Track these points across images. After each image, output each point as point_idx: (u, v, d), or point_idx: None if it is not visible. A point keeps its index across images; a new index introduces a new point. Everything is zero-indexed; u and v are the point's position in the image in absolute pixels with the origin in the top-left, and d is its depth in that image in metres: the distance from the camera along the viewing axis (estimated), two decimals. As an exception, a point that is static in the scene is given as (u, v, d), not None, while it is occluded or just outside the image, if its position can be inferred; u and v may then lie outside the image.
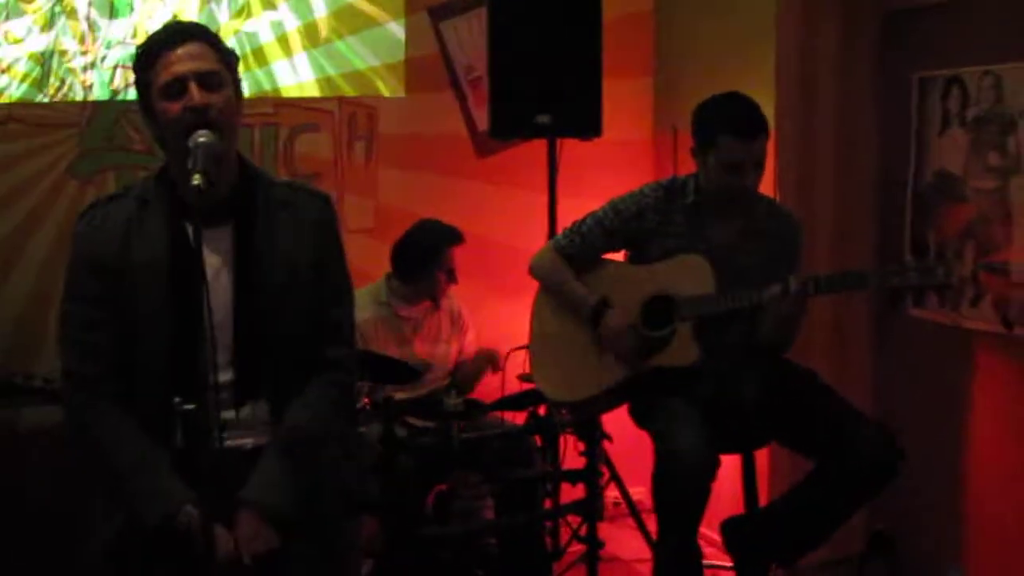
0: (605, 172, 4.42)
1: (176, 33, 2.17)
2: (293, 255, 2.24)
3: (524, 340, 3.36)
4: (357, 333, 3.84)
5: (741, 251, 3.03)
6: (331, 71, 4.39)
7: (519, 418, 3.86)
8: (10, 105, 3.95)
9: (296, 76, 4.35)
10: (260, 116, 4.28)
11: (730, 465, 3.08)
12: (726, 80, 3.30)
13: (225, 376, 2.18)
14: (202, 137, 2.08)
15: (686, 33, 4.59)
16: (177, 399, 1.90)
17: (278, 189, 2.31)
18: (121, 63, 4.07)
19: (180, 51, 2.13)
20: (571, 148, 4.16)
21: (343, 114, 4.41)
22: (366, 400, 3.38)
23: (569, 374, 3.13)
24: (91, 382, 2.19)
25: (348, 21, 4.38)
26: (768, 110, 3.76)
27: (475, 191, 4.56)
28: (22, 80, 3.98)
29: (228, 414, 2.20)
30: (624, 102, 4.48)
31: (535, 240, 3.75)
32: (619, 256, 3.24)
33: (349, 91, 4.42)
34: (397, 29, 4.44)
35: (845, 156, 3.76)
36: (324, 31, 4.35)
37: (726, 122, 2.91)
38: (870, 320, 3.80)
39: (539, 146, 4.14)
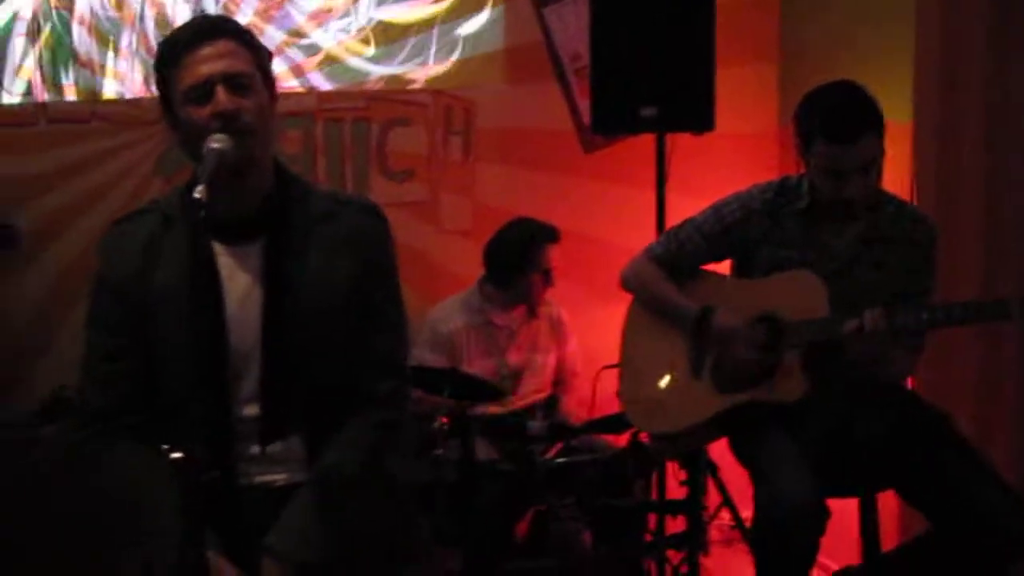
0: (722, 169, 4.12)
1: (202, 29, 1.97)
2: (332, 276, 2.03)
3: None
4: (448, 343, 3.77)
5: (863, 263, 2.68)
6: (428, 61, 4.18)
7: (620, 440, 3.59)
8: (94, 103, 3.89)
9: (389, 67, 4.16)
10: (351, 111, 4.15)
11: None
12: (860, 66, 2.99)
13: (251, 410, 2.01)
14: (216, 143, 1.89)
15: (815, 13, 4.23)
16: (165, 446, 1.71)
17: (319, 200, 2.09)
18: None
19: (207, 50, 1.94)
20: (686, 142, 3.87)
21: (438, 107, 4.22)
22: (444, 420, 3.16)
23: (661, 401, 2.84)
24: (109, 415, 2.05)
25: (444, 10, 4.16)
26: (905, 99, 3.44)
27: (581, 189, 4.32)
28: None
29: (254, 450, 2.02)
30: (743, 92, 4.18)
31: (643, 242, 3.42)
32: (724, 268, 2.92)
33: (445, 83, 4.23)
34: (495, 16, 4.21)
35: (997, 154, 3.32)
36: (418, 18, 4.15)
37: (820, 123, 2.58)
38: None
39: (650, 141, 3.86)
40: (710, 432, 2.83)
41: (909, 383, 2.86)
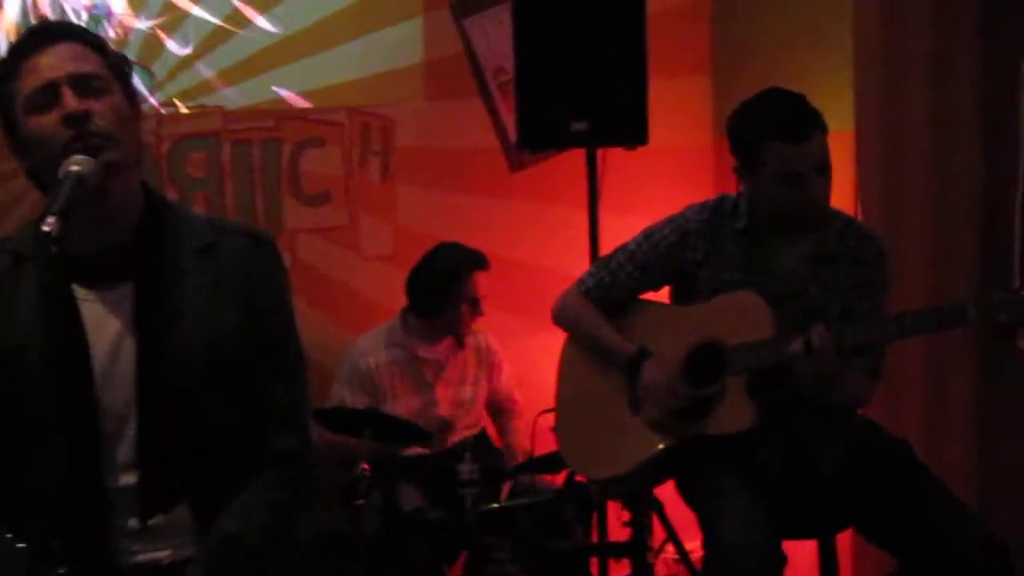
0: (656, 185, 4.01)
1: (45, 34, 1.77)
2: (215, 319, 1.79)
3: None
4: (370, 380, 3.55)
5: (811, 283, 2.53)
6: (338, 78, 3.95)
7: (559, 479, 3.39)
8: None
9: (299, 85, 3.92)
10: (260, 131, 3.92)
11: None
12: (797, 75, 2.89)
13: (128, 479, 1.77)
14: (75, 166, 1.65)
15: (749, 22, 4.14)
16: (8, 535, 1.45)
17: (196, 230, 1.85)
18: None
19: (50, 53, 1.73)
20: (617, 158, 3.71)
21: (354, 126, 4.00)
22: (365, 466, 2.93)
23: (600, 445, 2.65)
24: None
25: (356, 21, 3.95)
26: (846, 107, 3.34)
27: (508, 210, 4.15)
28: None
29: (132, 523, 1.77)
30: (676, 105, 4.03)
31: (577, 264, 3.35)
32: (660, 296, 2.74)
33: (359, 100, 4.00)
34: (413, 28, 4.00)
35: (940, 162, 3.26)
36: (330, 33, 3.92)
37: (769, 126, 2.43)
38: (972, 358, 3.26)
39: (580, 157, 3.69)
40: (654, 474, 2.65)
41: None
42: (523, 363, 3.81)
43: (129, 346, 1.76)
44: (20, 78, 1.72)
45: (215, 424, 1.79)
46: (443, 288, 3.50)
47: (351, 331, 3.80)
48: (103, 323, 1.76)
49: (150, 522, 1.77)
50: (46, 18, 3.55)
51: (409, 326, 3.59)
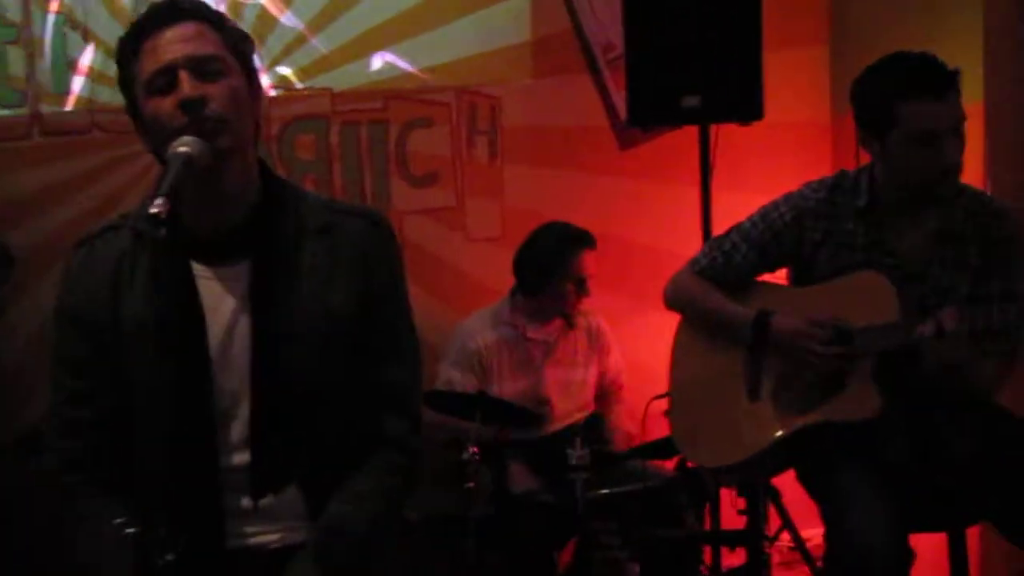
0: (772, 161, 3.88)
1: (164, 11, 1.73)
2: (331, 299, 1.78)
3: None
4: (478, 361, 3.53)
5: (937, 263, 2.41)
6: (445, 57, 3.92)
7: (671, 464, 3.32)
8: (92, 112, 3.68)
9: (407, 64, 3.90)
10: (367, 112, 3.91)
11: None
12: (921, 46, 2.72)
13: (240, 458, 1.76)
14: (182, 147, 1.64)
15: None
16: (119, 520, 1.45)
17: (313, 211, 1.83)
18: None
19: (168, 34, 1.70)
20: (731, 134, 3.60)
21: (461, 105, 3.97)
22: (474, 449, 2.90)
23: (716, 431, 2.57)
24: (74, 467, 1.80)
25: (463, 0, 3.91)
26: (975, 78, 3.17)
27: (618, 188, 4.06)
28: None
29: (244, 503, 1.77)
30: (793, 77, 3.90)
31: (689, 244, 3.25)
32: (778, 278, 2.65)
33: (468, 79, 3.97)
34: (521, 5, 3.94)
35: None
36: (437, 12, 3.89)
37: (904, 84, 2.31)
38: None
39: (692, 133, 3.60)
40: (773, 463, 2.56)
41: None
42: (633, 345, 3.74)
43: (244, 324, 1.76)
44: (140, 59, 1.70)
45: (328, 405, 1.78)
46: (548, 267, 3.44)
47: (458, 312, 3.78)
48: (220, 300, 1.76)
49: (261, 502, 1.76)
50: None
51: (517, 306, 3.55)
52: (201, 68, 1.69)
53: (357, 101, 3.89)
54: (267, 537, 1.79)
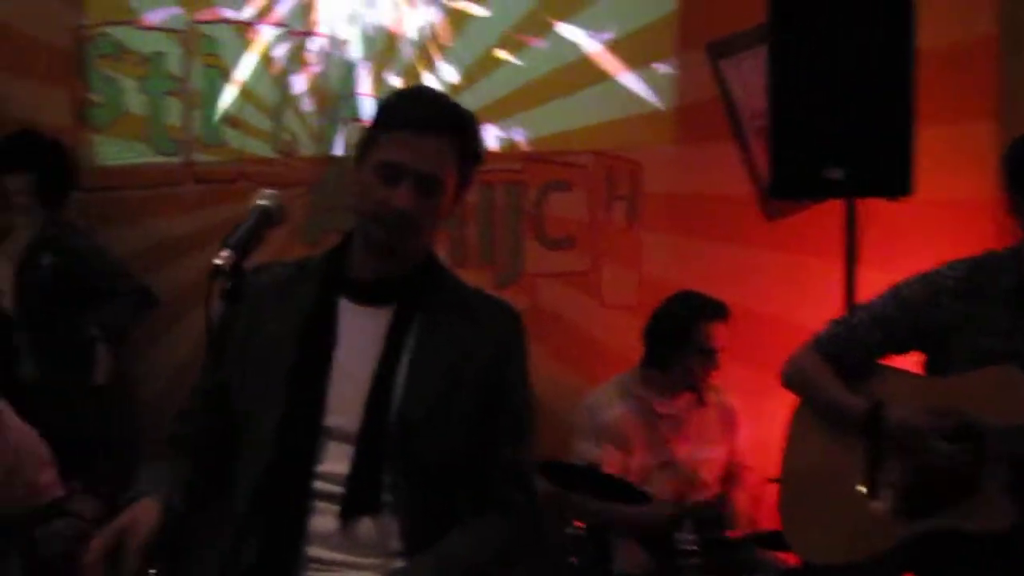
0: (926, 240, 3.62)
1: (423, 117, 1.87)
2: (458, 370, 1.88)
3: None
4: (610, 432, 3.44)
5: None
6: (587, 120, 3.90)
7: (789, 556, 3.13)
8: (241, 162, 3.82)
9: (548, 126, 3.91)
10: (505, 173, 3.92)
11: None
12: None
13: (336, 487, 1.82)
14: (263, 200, 1.71)
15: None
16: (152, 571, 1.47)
17: (462, 290, 2.00)
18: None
19: (413, 141, 1.84)
20: (881, 210, 3.43)
21: (601, 169, 3.93)
22: (579, 524, 2.80)
23: (830, 528, 2.40)
24: (181, 442, 1.93)
25: (608, 63, 3.90)
26: None
27: (760, 260, 3.90)
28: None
29: (328, 523, 1.80)
30: (951, 153, 3.66)
31: None
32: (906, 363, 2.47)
33: (608, 143, 3.93)
34: (666, 70, 3.89)
35: None
36: (581, 75, 3.88)
37: None
38: None
39: (840, 207, 3.44)
40: (891, 567, 2.36)
41: None
42: (765, 424, 3.55)
43: (373, 356, 1.86)
44: (386, 137, 1.86)
45: (435, 449, 1.84)
46: (677, 338, 3.33)
47: (588, 380, 3.72)
48: (358, 332, 1.88)
49: (348, 524, 1.80)
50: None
51: (646, 378, 3.45)
52: (423, 185, 1.83)
53: (495, 162, 3.90)
54: (348, 573, 1.80)
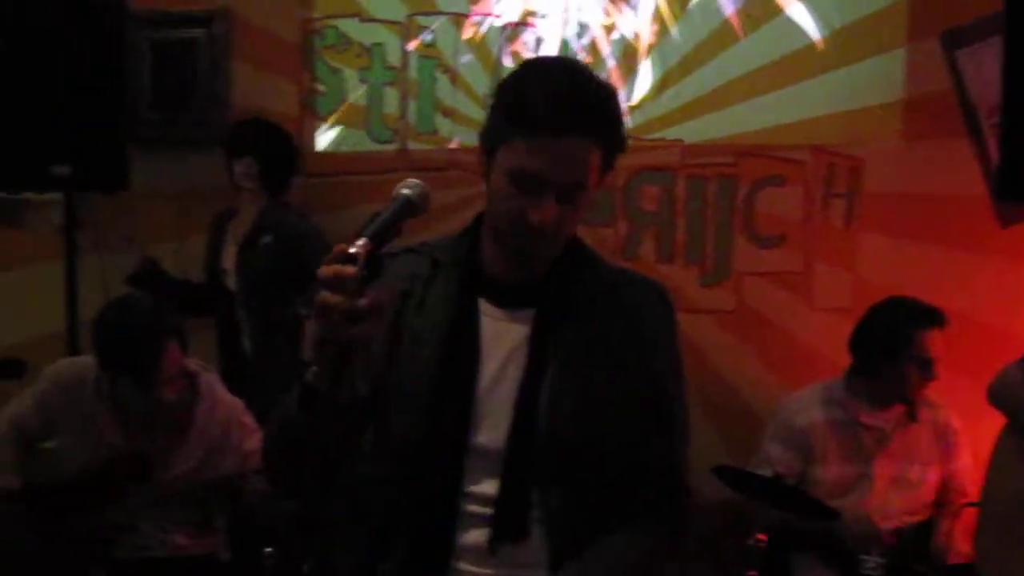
0: None
1: (564, 115, 1.64)
2: (607, 360, 1.77)
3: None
4: (801, 439, 3.29)
5: None
6: (804, 114, 3.73)
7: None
8: (451, 151, 3.90)
9: (762, 119, 3.77)
10: (716, 167, 3.80)
11: None
12: None
13: (484, 497, 1.74)
14: (406, 188, 1.65)
15: None
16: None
17: (606, 274, 1.85)
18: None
19: (553, 145, 1.64)
20: None
21: (818, 165, 3.76)
22: (761, 536, 2.70)
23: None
24: None
25: (829, 55, 3.71)
26: None
27: (990, 268, 3.65)
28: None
29: (474, 538, 1.75)
30: None
31: None
32: None
33: (829, 138, 3.74)
34: (894, 61, 3.67)
35: None
36: (799, 67, 3.72)
37: None
38: None
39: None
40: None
41: None
42: (985, 445, 3.31)
43: (518, 368, 1.77)
44: (521, 139, 1.66)
45: (587, 463, 1.75)
46: (887, 345, 3.14)
47: (792, 384, 3.57)
48: (499, 338, 1.78)
49: (495, 547, 1.74)
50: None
51: (853, 386, 3.27)
52: (566, 194, 1.67)
53: (707, 155, 3.81)
54: None
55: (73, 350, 3.47)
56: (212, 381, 3.04)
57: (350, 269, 1.50)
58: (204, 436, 2.96)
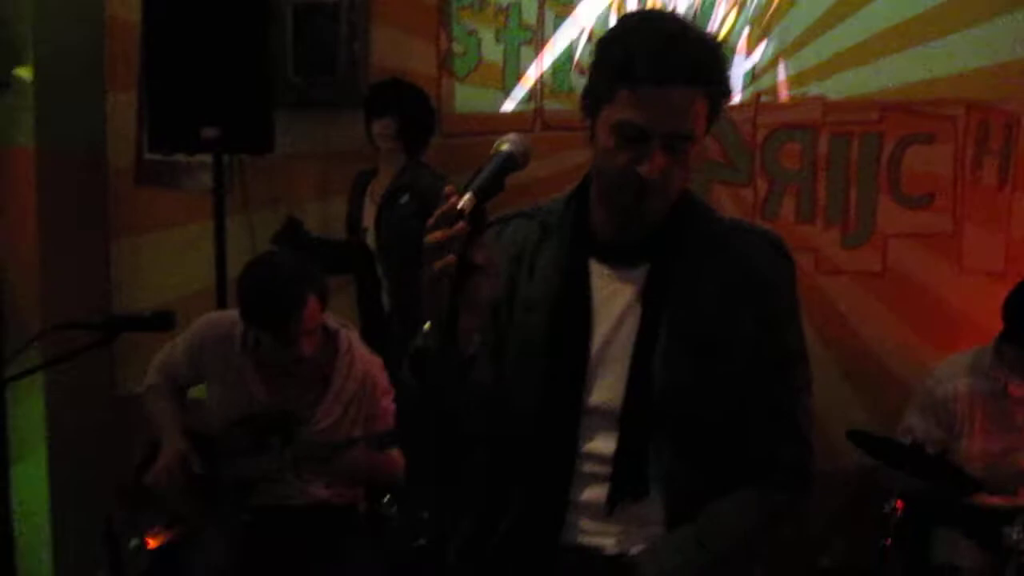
0: None
1: (668, 65, 1.64)
2: (725, 315, 1.75)
3: None
4: (943, 409, 3.20)
5: None
6: (955, 68, 3.59)
7: None
8: (538, 111, 3.96)
9: (910, 74, 3.64)
10: (861, 123, 3.70)
11: None
12: None
13: (600, 454, 1.77)
14: (506, 144, 1.65)
15: None
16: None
17: (718, 227, 1.83)
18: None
19: (661, 96, 1.64)
20: None
21: (971, 122, 3.62)
22: (899, 504, 2.65)
23: None
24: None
25: (981, 5, 3.56)
26: None
27: None
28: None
29: (592, 495, 1.78)
30: None
31: None
32: None
33: (982, 93, 3.60)
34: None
35: None
36: (948, 19, 3.57)
37: None
38: None
39: None
40: None
41: None
42: None
43: (631, 326, 1.78)
44: (625, 92, 1.66)
45: (705, 420, 1.75)
46: (1039, 312, 3.01)
47: (940, 351, 3.49)
48: (612, 299, 1.79)
49: (615, 508, 1.76)
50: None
51: (1002, 356, 3.15)
52: (675, 144, 1.67)
53: (851, 112, 3.70)
54: (605, 540, 1.79)
55: (222, 306, 3.63)
56: (351, 338, 3.13)
57: (460, 224, 1.54)
58: (344, 392, 3.06)
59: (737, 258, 1.78)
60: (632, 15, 1.79)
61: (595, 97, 1.72)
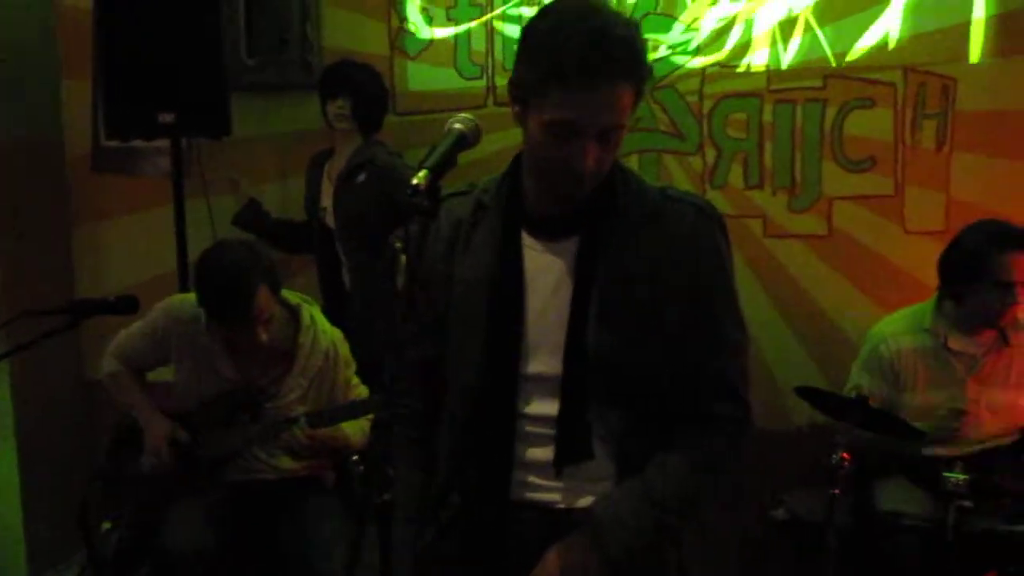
0: None
1: (595, 64, 1.68)
2: (654, 281, 1.83)
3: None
4: (889, 367, 3.32)
5: None
6: (891, 34, 3.70)
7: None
8: (489, 87, 4.04)
9: (849, 42, 3.75)
10: (803, 91, 3.80)
11: None
12: None
13: (540, 413, 1.87)
14: (458, 123, 1.77)
15: None
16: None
17: (647, 197, 1.89)
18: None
19: (591, 96, 1.70)
20: None
21: (910, 86, 3.72)
22: (845, 455, 2.77)
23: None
24: (398, 401, 2.02)
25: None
26: None
27: (1087, 188, 3.57)
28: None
29: (539, 454, 1.88)
30: None
31: None
32: None
33: (919, 58, 3.70)
34: (985, -28, 3.60)
35: None
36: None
37: None
38: None
39: None
40: None
41: None
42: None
43: (564, 297, 1.85)
44: (556, 91, 1.70)
45: (642, 384, 1.83)
46: (972, 268, 3.12)
47: (884, 308, 3.60)
48: (544, 271, 1.87)
49: (562, 465, 1.86)
50: None
51: (942, 312, 3.27)
52: (605, 136, 1.74)
53: (795, 79, 3.80)
54: (555, 495, 1.88)
55: (184, 289, 3.68)
56: (313, 312, 3.22)
57: None
58: (309, 366, 3.16)
59: (664, 225, 1.85)
60: (554, 6, 1.78)
61: (524, 88, 1.78)
